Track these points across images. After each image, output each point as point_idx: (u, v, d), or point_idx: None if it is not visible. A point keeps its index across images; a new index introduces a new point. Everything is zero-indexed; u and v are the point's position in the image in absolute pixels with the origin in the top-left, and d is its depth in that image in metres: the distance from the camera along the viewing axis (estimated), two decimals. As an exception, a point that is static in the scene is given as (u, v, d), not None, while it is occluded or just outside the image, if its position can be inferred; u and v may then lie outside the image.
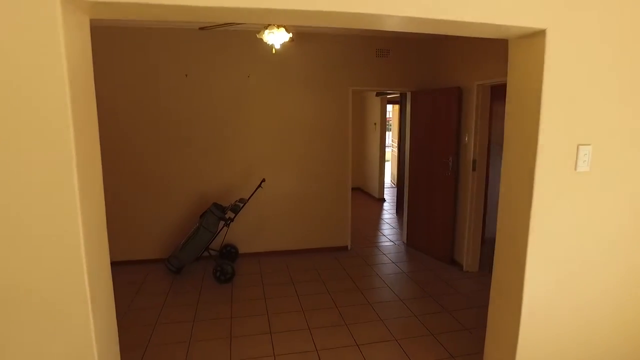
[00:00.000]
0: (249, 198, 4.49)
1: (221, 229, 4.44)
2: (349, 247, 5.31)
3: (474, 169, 4.39)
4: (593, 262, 2.21)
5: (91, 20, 1.70)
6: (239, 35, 4.57)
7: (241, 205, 4.36)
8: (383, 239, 5.84)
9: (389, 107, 9.76)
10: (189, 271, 4.51)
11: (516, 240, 2.17)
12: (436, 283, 4.23)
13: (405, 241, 5.54)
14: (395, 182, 10.18)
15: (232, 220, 4.42)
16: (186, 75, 4.52)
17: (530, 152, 2.05)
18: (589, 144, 2.06)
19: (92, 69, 1.73)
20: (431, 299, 3.86)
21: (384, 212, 7.54)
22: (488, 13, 1.82)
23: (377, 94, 7.97)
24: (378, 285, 4.20)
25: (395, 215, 7.25)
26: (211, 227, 4.29)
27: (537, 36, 1.98)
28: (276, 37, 3.39)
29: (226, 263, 4.25)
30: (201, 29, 3.57)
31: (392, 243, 5.61)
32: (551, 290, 2.17)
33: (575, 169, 2.07)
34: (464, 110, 4.48)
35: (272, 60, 4.70)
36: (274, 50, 3.55)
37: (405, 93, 5.46)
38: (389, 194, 9.04)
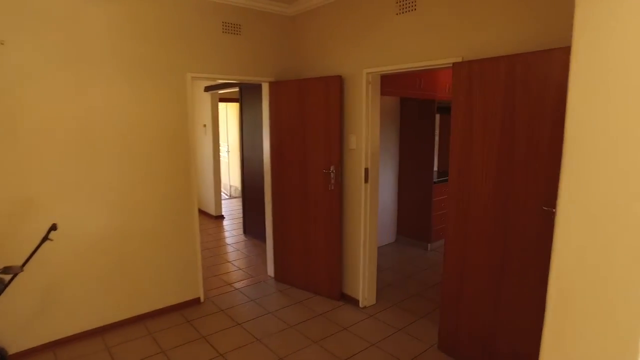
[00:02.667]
0: (25, 262, 2.51)
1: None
2: (202, 299, 3.78)
3: (366, 180, 3.50)
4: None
5: None
6: (-20, -33, 2.51)
7: (7, 279, 2.39)
8: (241, 274, 4.48)
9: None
10: None
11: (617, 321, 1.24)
12: (339, 336, 3.17)
13: (273, 275, 4.32)
14: (230, 193, 8.81)
15: (-8, 307, 2.38)
16: None
17: (647, 173, 1.14)
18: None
19: None
20: (347, 367, 2.79)
21: (227, 233, 6.12)
22: None
23: (207, 89, 6.45)
24: (266, 359, 2.88)
25: (243, 235, 5.93)
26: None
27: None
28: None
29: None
30: None
31: (256, 280, 4.31)
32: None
33: (680, 194, 1.26)
34: (348, 107, 3.54)
35: (56, 22, 2.78)
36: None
37: (260, 84, 4.22)
38: (227, 208, 7.62)
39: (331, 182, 3.63)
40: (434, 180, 5.13)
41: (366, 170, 3.48)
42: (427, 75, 4.84)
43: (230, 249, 5.37)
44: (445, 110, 5.44)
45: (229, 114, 8.78)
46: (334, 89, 3.50)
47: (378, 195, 3.65)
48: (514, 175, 2.37)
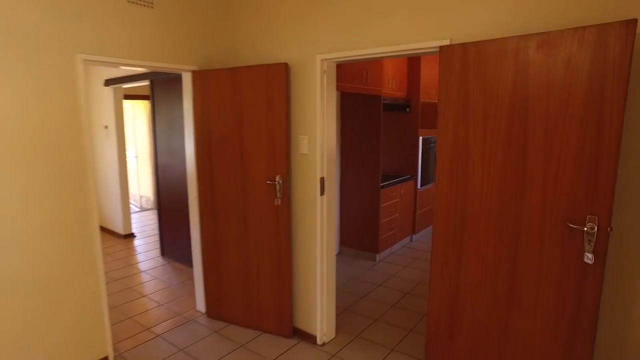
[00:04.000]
0: None
1: None
2: (112, 358, 2.85)
3: (322, 192, 2.87)
4: None
5: None
6: None
7: None
8: (162, 313, 3.58)
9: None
10: None
11: None
12: (301, 392, 2.51)
13: (204, 311, 3.50)
14: (140, 205, 7.63)
15: None
16: None
17: None
18: None
19: None
20: None
21: (141, 256, 5.08)
22: None
23: (108, 83, 5.30)
24: None
25: (162, 258, 4.95)
26: None
27: None
28: None
29: None
30: None
31: (183, 319, 3.46)
32: None
33: None
34: (297, 102, 2.87)
35: None
36: None
37: (179, 74, 3.35)
38: (138, 223, 6.48)
39: (277, 196, 2.94)
40: (381, 184, 4.68)
41: (322, 180, 2.85)
42: (374, 67, 4.36)
43: (146, 277, 4.38)
44: (389, 107, 5.03)
45: (135, 114, 7.57)
46: (278, 79, 2.81)
47: (335, 210, 3.04)
48: (526, 186, 1.91)
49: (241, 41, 3.13)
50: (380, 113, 4.55)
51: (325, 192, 2.89)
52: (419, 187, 5.41)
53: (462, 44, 2.02)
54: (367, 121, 4.65)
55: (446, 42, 2.14)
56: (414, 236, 5.50)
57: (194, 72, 3.15)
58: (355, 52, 2.52)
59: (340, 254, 5.02)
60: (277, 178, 2.92)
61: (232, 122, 3.03)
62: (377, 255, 4.78)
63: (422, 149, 5.37)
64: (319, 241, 2.92)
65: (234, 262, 3.23)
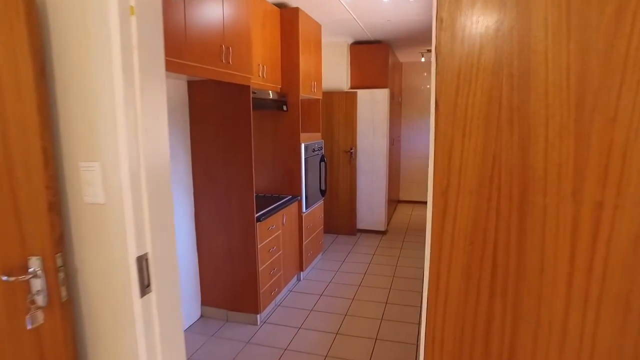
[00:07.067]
0: None
1: None
2: None
3: (145, 288, 1.27)
4: None
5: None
6: None
7: None
8: None
9: None
10: None
11: None
12: None
13: None
14: None
15: None
16: None
17: None
18: None
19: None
20: None
21: None
22: None
23: None
24: None
25: None
26: None
27: None
28: None
29: None
30: None
31: None
32: None
33: None
34: (68, 82, 1.21)
35: None
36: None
37: None
38: None
39: (36, 305, 1.24)
40: (257, 214, 3.22)
41: (142, 261, 1.26)
42: (238, 42, 2.85)
43: None
44: (259, 104, 3.54)
45: None
46: (13, 28, 1.12)
47: (181, 320, 1.48)
48: None
49: None
50: (250, 111, 3.08)
51: (155, 285, 1.30)
52: (304, 210, 4.10)
53: None
54: (231, 124, 3.12)
55: None
56: (302, 274, 4.19)
57: None
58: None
59: (203, 320, 3.38)
60: (33, 265, 1.22)
61: None
62: (258, 315, 3.31)
63: (305, 159, 4.08)
64: (147, 393, 1.32)
65: None
